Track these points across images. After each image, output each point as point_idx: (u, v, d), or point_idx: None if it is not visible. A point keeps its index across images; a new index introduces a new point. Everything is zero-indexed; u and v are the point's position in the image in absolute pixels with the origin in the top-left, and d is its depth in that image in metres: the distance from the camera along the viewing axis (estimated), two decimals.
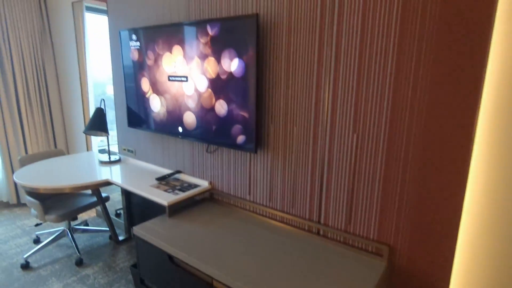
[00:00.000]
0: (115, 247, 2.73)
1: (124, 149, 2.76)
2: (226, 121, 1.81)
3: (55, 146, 3.77)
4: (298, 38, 1.56)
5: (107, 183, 2.25)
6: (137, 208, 2.75)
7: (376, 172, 1.43)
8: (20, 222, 3.16)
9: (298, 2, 1.53)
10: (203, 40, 1.81)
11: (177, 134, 2.12)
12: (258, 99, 1.67)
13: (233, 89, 1.73)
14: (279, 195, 1.79)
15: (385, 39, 1.32)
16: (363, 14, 1.36)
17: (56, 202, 2.60)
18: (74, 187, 2.13)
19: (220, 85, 1.79)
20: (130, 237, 2.88)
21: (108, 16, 2.58)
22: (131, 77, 2.33)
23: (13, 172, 3.44)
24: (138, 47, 2.21)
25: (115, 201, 3.18)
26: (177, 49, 1.96)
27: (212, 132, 1.91)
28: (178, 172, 2.29)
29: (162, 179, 2.19)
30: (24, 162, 2.59)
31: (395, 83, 1.32)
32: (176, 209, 1.94)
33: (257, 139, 1.72)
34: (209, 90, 1.85)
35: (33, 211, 2.50)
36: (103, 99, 2.55)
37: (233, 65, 1.70)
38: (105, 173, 2.36)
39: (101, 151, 3.71)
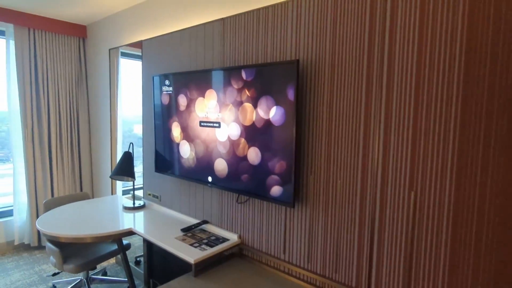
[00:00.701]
0: None
1: (149, 194, 2.66)
2: (260, 171, 1.68)
3: (81, 189, 3.75)
4: (342, 83, 1.45)
5: (130, 233, 2.11)
6: (158, 257, 2.57)
7: (441, 239, 1.21)
8: (38, 267, 3.05)
9: (343, 47, 1.44)
10: (238, 86, 1.74)
11: (206, 182, 2.00)
12: (297, 148, 1.54)
13: (270, 137, 1.62)
14: (319, 257, 1.58)
15: (446, 80, 1.17)
16: (418, 55, 1.23)
17: (76, 250, 2.47)
18: (96, 236, 2.00)
19: (255, 133, 1.68)
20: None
21: (142, 62, 2.62)
22: (162, 122, 2.29)
23: (37, 214, 3.41)
24: (170, 92, 2.19)
25: (135, 246, 3.02)
26: (210, 94, 1.90)
27: (244, 181, 1.77)
28: (205, 222, 2.13)
29: (187, 230, 2.03)
30: (48, 206, 2.53)
31: (461, 132, 1.15)
32: (202, 266, 1.75)
33: (295, 192, 1.55)
34: (243, 137, 1.74)
35: (51, 258, 2.39)
36: (132, 143, 2.51)
37: (270, 112, 1.60)
38: (128, 221, 2.24)
39: (125, 192, 3.65)
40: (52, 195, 3.49)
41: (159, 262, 2.60)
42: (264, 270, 1.77)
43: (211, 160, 1.94)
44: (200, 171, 2.03)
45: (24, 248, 3.46)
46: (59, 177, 3.50)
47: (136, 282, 2.82)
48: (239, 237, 1.94)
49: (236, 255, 1.94)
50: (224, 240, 1.92)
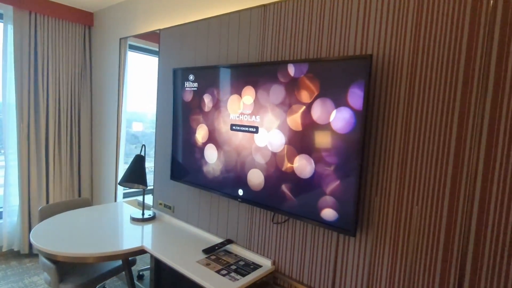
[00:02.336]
0: None
1: (161, 204, 2.35)
2: (310, 187, 1.38)
3: (79, 193, 3.41)
4: (426, 86, 1.17)
5: (141, 252, 1.80)
6: (168, 275, 2.26)
7: None
8: (28, 279, 2.70)
9: (429, 42, 1.16)
10: (284, 85, 1.45)
11: (235, 195, 1.70)
12: (362, 163, 1.25)
13: (326, 146, 1.32)
14: None
15: None
16: None
17: (74, 266, 2.15)
18: (100, 256, 1.69)
19: (306, 140, 1.39)
20: None
21: (159, 54, 2.32)
22: (182, 122, 1.99)
23: (29, 218, 3.06)
24: (194, 89, 1.89)
25: (138, 258, 2.70)
26: (246, 93, 1.61)
27: (284, 198, 1.48)
28: (229, 242, 1.83)
29: (210, 252, 1.72)
30: (44, 214, 2.20)
31: None
32: None
33: (356, 217, 1.26)
34: (290, 144, 1.45)
35: (45, 275, 2.06)
36: (144, 145, 2.20)
37: (330, 117, 1.31)
38: (137, 236, 1.93)
39: (126, 196, 3.32)
40: (47, 198, 3.14)
41: (168, 281, 2.29)
42: None
43: (244, 171, 1.64)
44: (227, 183, 1.73)
45: (13, 255, 3.11)
46: (55, 179, 3.16)
47: None
48: (273, 263, 1.64)
49: (269, 285, 1.63)
50: (256, 266, 1.61)
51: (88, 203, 2.51)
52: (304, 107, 1.39)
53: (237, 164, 1.67)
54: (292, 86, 1.42)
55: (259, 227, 1.70)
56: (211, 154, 1.81)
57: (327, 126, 1.32)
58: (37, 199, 3.09)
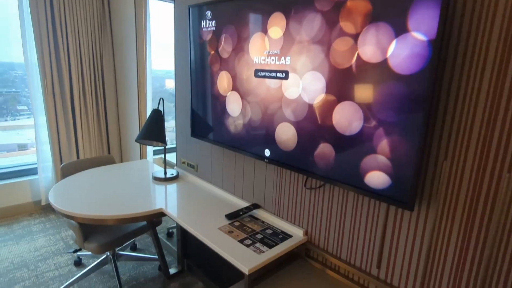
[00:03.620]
0: (164, 284, 2.17)
1: (184, 162, 2.18)
2: (356, 147, 1.08)
3: (109, 151, 3.38)
4: None
5: (161, 214, 1.66)
6: (194, 238, 2.16)
7: None
8: (65, 232, 2.78)
9: None
10: (327, 11, 1.09)
11: (260, 155, 1.44)
12: (429, 116, 0.91)
13: (381, 93, 0.99)
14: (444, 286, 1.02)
15: None
16: None
17: (100, 225, 2.10)
18: (119, 219, 1.57)
19: (353, 86, 1.06)
20: (183, 270, 2.31)
21: None
22: (200, 70, 1.71)
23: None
24: (213, 29, 1.57)
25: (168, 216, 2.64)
26: (275, 24, 1.27)
27: (321, 159, 1.20)
28: (256, 206, 1.62)
29: (234, 217, 1.53)
30: (66, 172, 2.13)
31: None
32: (258, 275, 1.26)
33: (416, 187, 0.96)
34: (330, 93, 1.13)
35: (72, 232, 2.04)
36: (162, 99, 1.98)
37: (388, 50, 0.96)
38: (158, 197, 1.79)
39: (157, 153, 3.23)
40: (77, 155, 3.14)
41: (195, 244, 2.19)
42: (342, 284, 1.25)
43: (271, 127, 1.37)
44: (252, 141, 1.47)
45: (51, 209, 3.23)
46: (84, 137, 3.13)
47: (169, 259, 2.47)
48: (306, 233, 1.42)
49: (300, 257, 1.43)
50: (285, 236, 1.40)
51: (111, 160, 2.41)
52: (350, 40, 1.04)
53: (264, 119, 1.40)
54: (335, 12, 1.07)
55: (289, 192, 1.46)
56: (233, 107, 1.54)
57: (382, 65, 0.97)
58: (68, 155, 3.09)
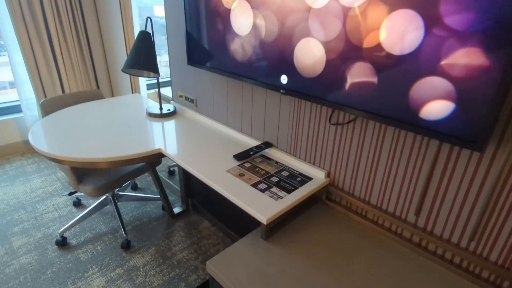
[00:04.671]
0: (169, 223, 2.10)
1: (181, 96, 1.91)
2: (411, 69, 0.82)
3: (97, 85, 3.05)
4: None
5: (159, 155, 1.46)
6: (197, 179, 2.02)
7: None
8: (60, 173, 2.64)
9: None
10: None
11: (275, 85, 1.18)
12: None
13: None
14: (501, 239, 0.86)
15: None
16: None
17: None
18: (113, 161, 1.37)
19: None
20: (187, 209, 2.22)
21: None
22: None
23: None
24: None
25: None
26: None
27: (358, 88, 0.94)
28: (268, 145, 1.41)
29: (244, 158, 1.34)
30: (48, 108, 1.88)
31: None
32: (274, 222, 1.10)
33: (494, 122, 0.72)
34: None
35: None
36: (149, 18, 1.62)
37: None
38: (156, 135, 1.57)
39: (150, 87, 2.94)
40: (63, 92, 2.84)
41: (198, 183, 2.06)
42: (371, 230, 1.11)
43: (290, 46, 1.08)
44: (265, 66, 1.19)
45: None
46: (68, 71, 2.78)
47: (172, 197, 2.37)
48: (327, 175, 1.24)
49: (320, 201, 1.27)
50: (304, 179, 1.22)
51: (99, 96, 2.14)
52: None
53: (281, 36, 1.09)
54: None
55: (309, 129, 1.24)
56: (241, 22, 1.22)
57: None
58: (53, 92, 2.79)
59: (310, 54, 1.02)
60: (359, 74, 0.92)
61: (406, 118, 0.86)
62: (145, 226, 2.06)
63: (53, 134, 1.55)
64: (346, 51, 0.93)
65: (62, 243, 1.87)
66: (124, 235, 1.91)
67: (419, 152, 0.95)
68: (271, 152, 1.41)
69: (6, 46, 2.51)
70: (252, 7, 1.14)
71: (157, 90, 1.77)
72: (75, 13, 2.69)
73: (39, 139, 1.49)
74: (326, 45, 0.97)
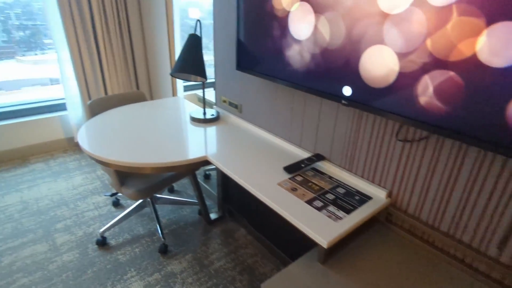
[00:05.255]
0: (205, 229, 2.06)
1: (225, 101, 1.87)
2: None
3: (137, 87, 3.10)
4: None
5: (205, 163, 1.42)
6: (235, 184, 1.96)
7: None
8: (100, 171, 2.69)
9: None
10: None
11: (336, 95, 1.09)
12: None
13: None
14: None
15: None
16: None
17: None
18: (157, 167, 1.34)
19: None
20: (224, 215, 2.18)
21: None
22: None
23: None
24: None
25: None
26: None
27: (442, 101, 0.84)
28: (320, 158, 1.33)
29: (294, 170, 1.26)
30: (94, 109, 1.90)
31: None
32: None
33: None
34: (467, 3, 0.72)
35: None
36: (199, 20, 1.59)
37: None
38: (199, 141, 1.53)
39: (187, 89, 2.95)
40: (105, 92, 2.90)
41: (236, 189, 2.00)
42: (441, 262, 0.99)
43: (356, 54, 0.99)
44: (324, 74, 1.11)
45: None
46: (111, 72, 2.84)
47: (208, 202, 2.34)
48: (389, 195, 1.13)
49: (379, 222, 1.16)
50: (363, 197, 1.12)
51: (142, 97, 2.15)
52: None
53: (347, 42, 1.01)
54: None
55: (370, 143, 1.14)
56: (300, 26, 1.14)
57: None
58: (96, 92, 2.87)
59: (380, 63, 0.93)
60: (441, 87, 0.82)
61: (499, 139, 0.74)
62: (181, 231, 2.03)
63: (99, 136, 1.55)
64: (428, 61, 0.82)
65: (102, 243, 1.89)
66: (162, 239, 1.89)
67: (509, 179, 0.83)
68: (323, 166, 1.32)
69: (54, 44, 2.59)
70: (314, 11, 1.07)
71: (193, 92, 1.74)
72: (121, 14, 2.74)
73: (86, 140, 1.49)
74: (401, 53, 0.87)
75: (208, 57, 2.38)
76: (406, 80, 0.89)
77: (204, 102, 1.77)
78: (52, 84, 3.62)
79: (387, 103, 0.95)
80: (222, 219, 2.16)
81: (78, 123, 2.95)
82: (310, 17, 1.09)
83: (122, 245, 1.90)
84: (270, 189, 1.14)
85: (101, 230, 1.91)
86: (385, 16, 0.88)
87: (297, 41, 1.17)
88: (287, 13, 1.17)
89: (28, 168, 2.68)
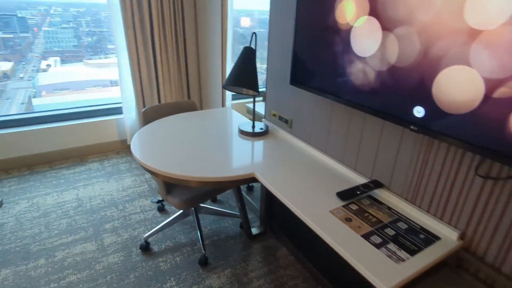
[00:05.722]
0: (246, 244, 2.01)
1: (274, 115, 1.81)
2: None
3: (188, 95, 3.18)
4: None
5: (252, 180, 1.37)
6: (279, 202, 1.89)
7: None
8: (148, 175, 2.79)
9: None
10: None
11: (404, 119, 0.98)
12: None
13: None
14: None
15: None
16: None
17: None
18: (204, 181, 1.32)
19: None
20: (265, 231, 2.11)
21: None
22: None
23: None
24: None
25: None
26: None
27: None
28: (377, 185, 1.20)
29: (349, 197, 1.15)
30: (148, 117, 1.96)
31: None
32: None
33: None
34: None
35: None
36: (255, 33, 1.57)
37: None
38: (247, 156, 1.48)
39: (234, 98, 2.95)
40: (159, 98, 3.02)
41: (280, 206, 1.93)
42: None
43: (430, 75, 0.87)
44: (391, 95, 1.00)
45: None
46: (165, 79, 2.95)
47: (250, 215, 2.29)
48: (462, 236, 0.98)
49: (447, 266, 1.01)
50: (430, 237, 0.98)
51: (193, 106, 2.18)
52: None
53: (419, 61, 0.89)
54: None
55: (441, 175, 1.00)
56: (365, 42, 1.05)
57: None
58: (150, 98, 2.99)
59: (462, 86, 0.80)
60: None
61: None
62: (222, 243, 2.00)
63: (150, 144, 1.58)
64: None
65: (146, 248, 1.92)
66: (203, 250, 1.88)
67: None
68: (381, 194, 1.20)
69: (116, 49, 2.76)
70: (383, 27, 0.97)
71: (242, 101, 1.71)
72: (178, 24, 2.84)
73: (138, 148, 1.53)
74: (491, 78, 0.74)
75: (258, 64, 2.36)
76: (495, 108, 0.75)
77: (254, 115, 1.73)
78: (111, 86, 3.87)
79: (467, 132, 0.82)
80: (264, 235, 2.09)
81: (132, 126, 3.09)
82: (377, 32, 0.99)
83: (164, 252, 1.91)
84: (321, 217, 1.05)
85: (146, 235, 1.95)
86: (473, 33, 0.76)
87: (360, 58, 1.07)
88: (349, 28, 1.09)
89: (85, 167, 2.87)
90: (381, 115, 1.05)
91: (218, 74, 2.70)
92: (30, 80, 3.11)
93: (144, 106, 3.00)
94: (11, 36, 2.75)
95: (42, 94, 3.21)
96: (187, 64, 3.08)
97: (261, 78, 2.24)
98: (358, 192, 1.16)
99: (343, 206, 1.12)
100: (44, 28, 2.89)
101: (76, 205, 2.32)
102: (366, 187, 1.19)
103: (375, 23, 0.99)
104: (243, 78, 1.45)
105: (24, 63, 2.97)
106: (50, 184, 2.56)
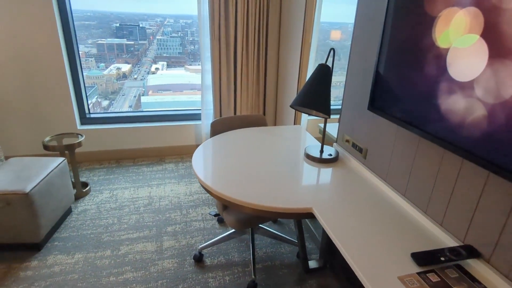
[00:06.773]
0: (301, 277, 1.83)
1: (347, 141, 1.61)
2: None
3: (264, 110, 3.16)
4: None
5: (309, 215, 1.20)
6: None
7: None
8: None
9: None
10: None
11: None
12: None
13: None
14: None
15: None
16: None
17: None
18: (258, 209, 1.21)
19: None
20: (324, 266, 1.89)
21: None
22: (405, 11, 1.01)
23: None
24: None
25: None
26: None
27: None
28: (471, 252, 0.91)
29: (427, 262, 0.90)
30: (216, 129, 1.96)
31: None
32: None
33: None
34: None
35: None
36: (333, 49, 1.40)
37: None
38: (309, 186, 1.32)
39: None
40: (235, 110, 3.06)
41: None
42: None
43: None
44: (499, 137, 0.73)
45: None
46: (242, 92, 2.98)
47: (309, 245, 2.10)
48: None
49: None
50: None
51: (262, 121, 2.11)
52: None
53: None
54: None
55: None
56: (467, 64, 0.80)
57: None
58: (227, 108, 3.05)
59: None
60: None
61: None
62: (275, 271, 1.86)
63: (211, 159, 1.55)
64: None
65: (199, 259, 1.91)
66: (253, 275, 1.77)
67: None
68: (476, 267, 0.90)
69: (200, 57, 2.90)
70: (490, 55, 0.71)
71: (318, 119, 1.54)
72: (261, 44, 2.85)
73: (199, 163, 1.51)
74: None
75: (337, 78, 2.17)
76: None
77: (323, 139, 1.56)
78: (194, 90, 4.11)
79: None
80: (322, 271, 1.88)
81: (207, 133, 3.21)
82: (480, 56, 0.74)
83: (215, 267, 1.87)
84: (386, 284, 0.83)
85: (201, 246, 1.94)
86: None
87: (464, 86, 0.83)
88: (446, 50, 0.85)
89: (162, 166, 3.07)
90: (485, 165, 0.78)
91: (293, 90, 2.59)
92: (141, 80, 3.53)
93: (220, 115, 3.07)
94: (132, 43, 3.19)
95: (149, 93, 3.62)
96: (266, 77, 3.06)
97: (336, 92, 2.04)
98: (442, 259, 0.90)
99: (419, 273, 0.87)
100: (158, 37, 3.29)
101: (146, 203, 2.47)
102: (454, 252, 0.91)
103: (482, 45, 0.74)
104: (312, 99, 1.30)
105: (139, 65, 3.40)
106: (130, 179, 2.80)
